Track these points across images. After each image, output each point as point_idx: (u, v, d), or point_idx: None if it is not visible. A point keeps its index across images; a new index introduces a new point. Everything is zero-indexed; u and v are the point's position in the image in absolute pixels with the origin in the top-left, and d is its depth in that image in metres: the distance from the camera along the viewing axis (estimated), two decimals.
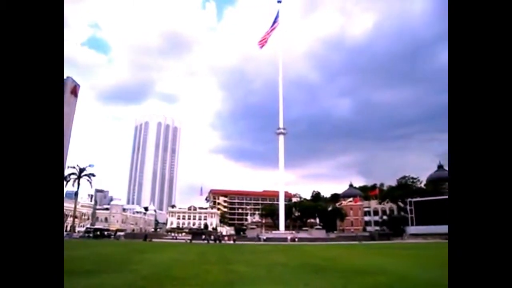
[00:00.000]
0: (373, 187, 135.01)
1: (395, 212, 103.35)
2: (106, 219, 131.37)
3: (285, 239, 65.11)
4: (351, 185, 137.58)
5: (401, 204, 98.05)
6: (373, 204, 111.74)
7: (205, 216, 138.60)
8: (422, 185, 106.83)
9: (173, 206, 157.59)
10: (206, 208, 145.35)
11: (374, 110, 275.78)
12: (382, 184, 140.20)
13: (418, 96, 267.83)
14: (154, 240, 65.56)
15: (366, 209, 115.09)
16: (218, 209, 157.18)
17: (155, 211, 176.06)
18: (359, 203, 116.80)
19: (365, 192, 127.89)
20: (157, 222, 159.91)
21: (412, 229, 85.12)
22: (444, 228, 79.50)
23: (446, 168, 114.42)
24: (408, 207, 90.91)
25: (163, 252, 25.89)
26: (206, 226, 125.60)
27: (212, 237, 67.45)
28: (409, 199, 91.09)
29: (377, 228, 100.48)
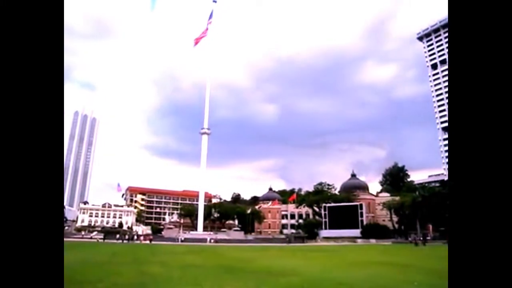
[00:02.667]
0: (292, 191, 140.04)
1: (311, 216, 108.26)
2: None
3: (203, 240, 64.54)
4: (270, 189, 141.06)
5: (316, 208, 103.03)
6: (291, 207, 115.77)
7: (121, 214, 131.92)
8: (337, 191, 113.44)
9: (85, 203, 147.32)
10: (122, 206, 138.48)
11: (297, 118, 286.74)
12: (300, 189, 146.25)
13: (337, 109, 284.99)
14: None
15: (283, 213, 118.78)
16: (135, 207, 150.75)
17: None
18: (277, 206, 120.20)
19: (284, 196, 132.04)
20: (65, 220, 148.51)
21: (325, 233, 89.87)
22: (353, 232, 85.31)
23: (358, 177, 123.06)
24: (322, 212, 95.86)
25: (68, 253, 24.01)
26: (121, 224, 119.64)
27: (127, 237, 64.39)
28: (324, 204, 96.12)
29: (293, 231, 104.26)
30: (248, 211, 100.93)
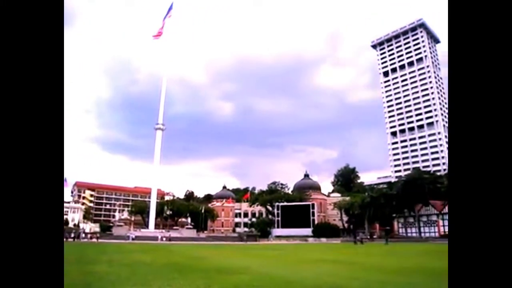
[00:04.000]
0: (246, 190, 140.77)
1: (264, 215, 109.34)
2: None
3: (155, 238, 63.23)
4: (224, 187, 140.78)
5: (269, 207, 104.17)
6: (244, 206, 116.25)
7: (67, 211, 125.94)
8: (290, 191, 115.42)
9: None
10: (68, 202, 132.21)
11: (253, 117, 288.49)
12: (254, 188, 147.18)
13: (294, 110, 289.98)
14: None
15: (237, 211, 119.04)
16: (83, 204, 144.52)
17: None
18: (231, 204, 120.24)
19: (238, 195, 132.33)
20: None
21: (277, 231, 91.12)
22: (304, 231, 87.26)
23: (311, 177, 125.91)
24: (275, 211, 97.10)
25: None
26: (67, 222, 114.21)
27: (72, 235, 61.55)
28: (277, 204, 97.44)
29: (246, 229, 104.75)
30: (202, 209, 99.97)
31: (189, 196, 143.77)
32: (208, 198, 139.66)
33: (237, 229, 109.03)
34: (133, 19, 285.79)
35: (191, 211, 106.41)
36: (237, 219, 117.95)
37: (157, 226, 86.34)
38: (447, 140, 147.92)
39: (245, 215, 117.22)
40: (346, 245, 48.86)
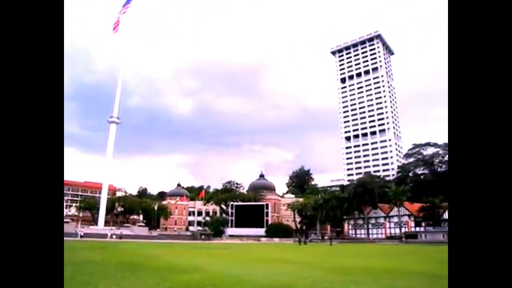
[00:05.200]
0: (201, 188, 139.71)
1: (218, 214, 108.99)
2: None
3: (104, 236, 61.10)
4: (179, 185, 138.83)
5: (224, 206, 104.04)
6: (199, 204, 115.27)
7: None
8: (245, 190, 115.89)
9: None
10: None
11: (213, 115, 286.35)
12: (209, 187, 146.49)
13: (253, 110, 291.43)
14: None
15: (191, 209, 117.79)
16: None
17: None
18: (185, 202, 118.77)
19: (192, 193, 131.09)
20: None
21: (231, 231, 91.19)
22: (258, 231, 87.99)
23: (266, 177, 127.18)
24: (230, 210, 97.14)
25: None
26: None
27: None
28: (231, 203, 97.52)
29: (200, 228, 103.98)
30: (155, 207, 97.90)
31: (142, 192, 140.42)
32: (162, 195, 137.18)
33: (191, 228, 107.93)
34: (98, 9, 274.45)
35: (144, 208, 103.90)
36: (190, 218, 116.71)
37: (107, 223, 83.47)
38: (396, 147, 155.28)
39: (199, 213, 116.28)
40: (293, 246, 49.82)
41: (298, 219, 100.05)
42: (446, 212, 72.02)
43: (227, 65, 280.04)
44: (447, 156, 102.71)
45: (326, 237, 78.11)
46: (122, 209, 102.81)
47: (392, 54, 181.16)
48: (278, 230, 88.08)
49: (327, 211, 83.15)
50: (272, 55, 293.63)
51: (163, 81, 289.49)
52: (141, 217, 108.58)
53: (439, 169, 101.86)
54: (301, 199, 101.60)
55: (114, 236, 62.62)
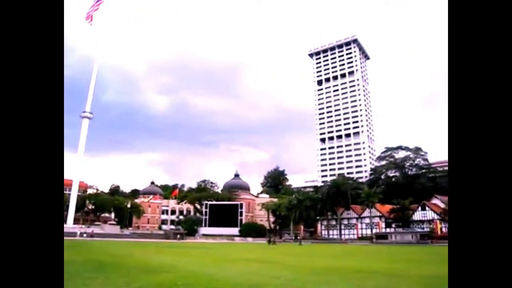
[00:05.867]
0: (175, 187, 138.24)
1: (192, 213, 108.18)
2: None
3: (73, 234, 59.54)
4: (152, 183, 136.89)
5: (198, 205, 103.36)
6: (172, 203, 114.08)
7: None
8: (219, 190, 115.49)
9: None
10: None
11: (189, 114, 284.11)
12: (183, 185, 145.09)
13: (230, 110, 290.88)
14: None
15: (164, 208, 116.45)
16: None
17: None
18: (158, 201, 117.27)
19: (166, 191, 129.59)
20: None
21: (204, 230, 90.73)
22: (232, 230, 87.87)
23: (241, 177, 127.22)
24: (204, 209, 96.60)
25: None
26: None
27: None
28: (206, 202, 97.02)
29: (173, 227, 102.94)
30: (127, 205, 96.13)
31: (115, 190, 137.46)
32: (135, 193, 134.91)
33: (164, 227, 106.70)
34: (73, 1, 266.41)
35: (116, 206, 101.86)
36: (164, 216, 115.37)
37: (77, 221, 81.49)
38: (370, 149, 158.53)
39: (173, 212, 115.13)
40: (266, 245, 50.09)
41: (272, 219, 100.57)
42: (415, 214, 74.16)
43: (205, 63, 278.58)
44: (417, 159, 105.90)
45: (299, 237, 78.91)
46: (93, 207, 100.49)
47: (368, 58, 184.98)
48: (252, 230, 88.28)
49: (301, 211, 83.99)
50: (250, 55, 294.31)
51: (139, 77, 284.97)
52: (112, 215, 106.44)
53: (409, 172, 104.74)
54: (275, 199, 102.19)
55: (84, 235, 61.09)
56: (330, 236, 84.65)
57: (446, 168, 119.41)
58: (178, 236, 75.43)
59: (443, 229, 67.83)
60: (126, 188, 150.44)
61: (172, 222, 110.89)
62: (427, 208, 73.80)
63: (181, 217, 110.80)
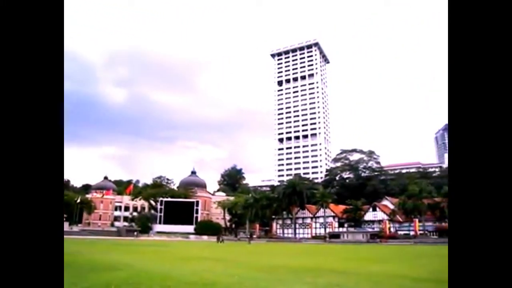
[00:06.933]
0: (129, 182, 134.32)
1: (147, 210, 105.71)
2: None
3: None
4: (106, 177, 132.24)
5: (153, 202, 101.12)
6: (126, 199, 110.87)
7: None
8: (175, 187, 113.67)
9: None
10: None
11: (148, 108, 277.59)
12: (138, 181, 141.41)
13: (190, 106, 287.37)
14: None
15: (118, 204, 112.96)
16: None
17: None
18: (111, 197, 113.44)
19: (120, 187, 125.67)
20: None
21: (159, 227, 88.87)
22: (187, 228, 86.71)
23: (198, 174, 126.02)
24: (159, 206, 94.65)
25: None
26: None
27: None
28: (161, 199, 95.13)
29: (126, 224, 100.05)
30: (77, 200, 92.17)
31: (65, 184, 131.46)
32: (87, 188, 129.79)
33: (116, 223, 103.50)
34: None
35: (65, 201, 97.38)
36: (117, 213, 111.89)
37: None
38: (326, 151, 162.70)
39: (126, 208, 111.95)
40: (228, 244, 50.09)
41: (228, 217, 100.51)
42: (366, 214, 77.09)
43: (165, 58, 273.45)
44: (370, 162, 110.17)
45: (254, 236, 79.47)
46: None
47: (328, 62, 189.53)
48: (207, 228, 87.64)
49: (257, 210, 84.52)
50: (212, 53, 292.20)
51: (96, 67, 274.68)
52: None
53: (363, 174, 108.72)
54: (232, 198, 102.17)
55: None
56: (285, 235, 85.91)
57: (397, 171, 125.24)
58: (135, 233, 73.40)
59: (392, 229, 71.02)
60: (77, 183, 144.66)
61: (126, 219, 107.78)
62: (377, 209, 76.93)
63: (135, 213, 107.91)
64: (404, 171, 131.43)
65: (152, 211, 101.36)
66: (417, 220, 67.23)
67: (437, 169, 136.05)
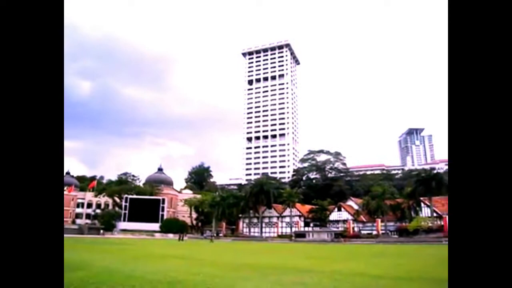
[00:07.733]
0: (93, 178, 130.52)
1: (110, 207, 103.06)
2: None
3: None
4: (68, 173, 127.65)
5: (117, 199, 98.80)
6: (89, 196, 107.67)
7: None
8: (141, 184, 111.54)
9: None
10: None
11: (115, 102, 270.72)
12: (102, 177, 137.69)
13: (159, 102, 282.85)
14: None
15: (80, 201, 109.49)
16: None
17: None
18: (73, 193, 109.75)
19: (83, 183, 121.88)
20: None
21: (123, 225, 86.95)
22: (152, 226, 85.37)
23: (165, 171, 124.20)
24: (123, 203, 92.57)
25: None
26: None
27: None
28: (126, 196, 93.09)
29: (89, 221, 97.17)
30: None
31: None
32: None
33: (78, 221, 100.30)
34: None
35: None
36: (79, 210, 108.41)
37: None
38: (294, 151, 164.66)
39: (89, 205, 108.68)
40: (194, 242, 49.71)
41: (194, 215, 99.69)
42: (332, 214, 78.71)
43: (134, 51, 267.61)
44: (337, 163, 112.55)
45: (221, 234, 79.26)
46: None
47: (298, 64, 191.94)
48: (173, 226, 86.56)
49: (224, 208, 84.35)
50: (182, 49, 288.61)
51: None
52: None
53: (329, 175, 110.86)
54: (198, 196, 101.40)
55: None
56: (252, 234, 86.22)
57: (362, 172, 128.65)
58: (101, 231, 71.29)
59: (355, 229, 72.86)
60: None
61: (88, 216, 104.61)
62: (342, 209, 78.71)
63: (98, 210, 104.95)
64: (368, 172, 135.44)
65: (117, 208, 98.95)
66: (379, 220, 69.29)
67: (399, 171, 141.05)
